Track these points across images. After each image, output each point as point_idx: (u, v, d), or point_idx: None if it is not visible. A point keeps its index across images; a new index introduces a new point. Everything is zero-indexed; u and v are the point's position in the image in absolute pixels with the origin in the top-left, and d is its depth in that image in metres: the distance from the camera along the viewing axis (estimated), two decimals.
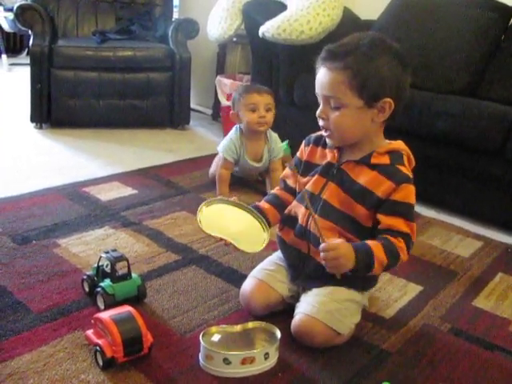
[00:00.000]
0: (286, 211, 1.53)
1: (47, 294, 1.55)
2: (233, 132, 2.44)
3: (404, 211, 1.35)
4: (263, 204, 1.55)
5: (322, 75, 1.33)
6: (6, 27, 5.44)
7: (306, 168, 1.50)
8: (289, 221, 1.51)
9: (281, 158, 2.48)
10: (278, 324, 1.40)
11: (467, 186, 2.35)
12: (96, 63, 3.25)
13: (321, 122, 1.38)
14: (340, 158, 1.43)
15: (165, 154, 2.97)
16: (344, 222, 1.39)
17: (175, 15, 4.05)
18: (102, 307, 1.47)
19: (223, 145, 2.42)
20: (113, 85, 3.29)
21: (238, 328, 1.39)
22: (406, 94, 1.36)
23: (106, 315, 1.28)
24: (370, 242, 1.33)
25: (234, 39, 3.49)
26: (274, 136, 2.46)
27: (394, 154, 1.38)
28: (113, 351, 1.25)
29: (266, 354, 1.30)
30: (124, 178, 2.54)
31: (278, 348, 1.34)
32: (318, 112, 1.37)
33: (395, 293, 1.72)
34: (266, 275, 1.52)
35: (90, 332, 1.32)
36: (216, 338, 1.35)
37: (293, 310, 1.45)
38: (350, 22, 2.90)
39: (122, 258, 1.52)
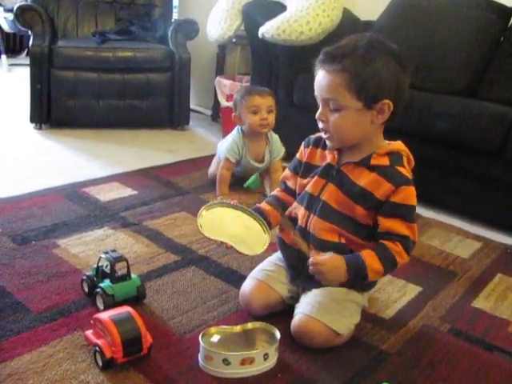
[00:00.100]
0: (287, 212, 1.53)
1: (47, 295, 1.55)
2: (235, 133, 2.44)
3: (403, 213, 1.35)
4: (264, 205, 1.55)
5: (321, 78, 1.33)
6: (6, 28, 5.44)
7: (305, 169, 1.51)
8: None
9: (281, 159, 2.49)
10: (278, 324, 1.41)
11: (467, 186, 2.35)
12: (96, 64, 3.25)
13: (320, 125, 1.38)
14: (340, 160, 1.43)
15: (164, 155, 2.97)
16: (343, 223, 1.39)
17: (175, 16, 4.05)
18: (102, 308, 1.47)
19: (226, 145, 2.42)
20: (112, 85, 3.29)
21: (237, 329, 1.39)
22: (405, 94, 1.36)
23: (105, 316, 1.28)
24: (363, 253, 1.35)
25: (234, 40, 3.49)
26: (275, 137, 2.47)
27: (394, 155, 1.38)
28: (112, 352, 1.25)
29: (266, 354, 1.30)
30: (124, 178, 2.54)
31: (277, 348, 1.34)
32: (317, 114, 1.37)
33: (395, 293, 1.72)
34: (266, 276, 1.52)
35: (89, 332, 1.32)
36: (215, 338, 1.35)
37: (292, 311, 1.45)
38: (349, 22, 2.91)
39: (121, 259, 1.52)
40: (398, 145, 1.41)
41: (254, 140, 2.43)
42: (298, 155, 1.56)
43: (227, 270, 1.78)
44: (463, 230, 2.27)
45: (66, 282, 1.62)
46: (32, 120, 3.28)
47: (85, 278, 1.56)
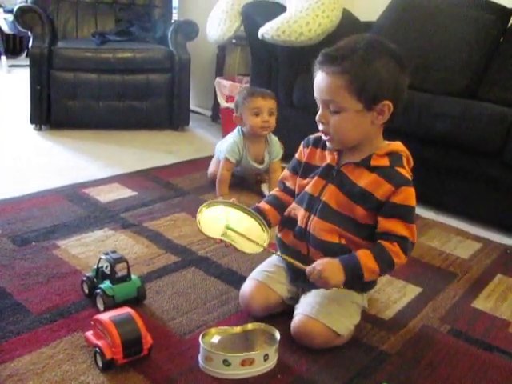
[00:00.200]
0: (286, 213, 1.53)
1: (47, 296, 1.55)
2: (235, 134, 2.45)
3: (403, 214, 1.35)
4: (263, 205, 1.55)
5: (320, 79, 1.33)
6: (6, 29, 5.45)
7: (305, 169, 1.51)
8: (288, 222, 1.51)
9: (279, 160, 2.50)
10: (278, 325, 1.41)
11: (466, 187, 2.35)
12: (95, 65, 3.25)
13: (320, 126, 1.38)
14: (340, 160, 1.43)
15: (164, 156, 2.97)
16: (344, 223, 1.40)
17: (174, 17, 4.05)
18: (102, 309, 1.47)
19: (226, 146, 2.43)
20: (112, 86, 3.29)
21: (237, 329, 1.39)
22: (405, 95, 1.36)
23: (105, 317, 1.28)
24: (359, 253, 1.35)
25: (234, 41, 3.49)
26: (274, 139, 2.49)
27: (394, 156, 1.38)
28: (112, 352, 1.25)
29: (266, 355, 1.30)
30: (123, 179, 2.54)
31: (277, 349, 1.34)
32: (317, 116, 1.36)
33: (394, 294, 1.72)
34: (266, 277, 1.52)
35: (89, 333, 1.32)
36: (215, 339, 1.35)
37: (292, 312, 1.45)
38: (349, 23, 2.90)
39: (121, 260, 1.52)
40: (398, 145, 1.41)
41: (253, 141, 2.44)
42: (297, 155, 1.55)
43: (227, 270, 1.78)
44: (463, 231, 2.27)
45: (66, 283, 1.62)
46: (32, 121, 3.28)
47: (85, 279, 1.56)
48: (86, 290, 1.56)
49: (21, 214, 2.06)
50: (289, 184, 1.56)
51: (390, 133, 1.43)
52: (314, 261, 1.42)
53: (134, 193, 2.38)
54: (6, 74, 5.27)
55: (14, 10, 3.32)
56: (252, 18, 2.95)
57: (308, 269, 1.35)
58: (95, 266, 1.55)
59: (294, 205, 1.52)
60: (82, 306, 1.52)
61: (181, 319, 1.49)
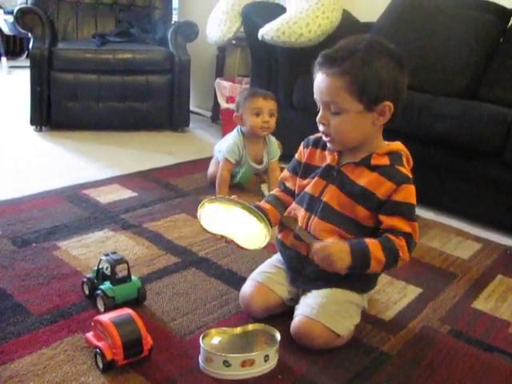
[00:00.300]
0: (286, 213, 1.53)
1: (47, 297, 1.55)
2: (235, 134, 2.45)
3: (405, 211, 1.35)
4: (264, 204, 1.55)
5: (321, 81, 1.33)
6: (6, 30, 5.45)
7: (305, 170, 1.51)
8: None
9: (278, 159, 2.52)
10: (278, 326, 1.41)
11: (466, 187, 2.35)
12: (96, 66, 3.25)
13: (321, 128, 1.38)
14: (340, 160, 1.43)
15: (164, 157, 2.97)
16: (344, 224, 1.40)
17: (174, 18, 4.06)
18: (102, 310, 1.47)
19: (226, 146, 2.43)
20: (112, 87, 3.30)
21: (237, 330, 1.39)
22: (404, 95, 1.36)
23: (105, 318, 1.28)
24: (367, 240, 1.34)
25: (234, 42, 3.50)
26: (272, 139, 2.50)
27: (394, 155, 1.38)
28: (113, 354, 1.25)
29: (266, 356, 1.30)
30: (124, 180, 2.54)
31: (277, 350, 1.34)
32: (318, 118, 1.37)
33: (395, 295, 1.72)
34: (266, 278, 1.52)
35: (89, 334, 1.32)
36: (216, 340, 1.35)
37: (292, 312, 1.45)
38: (349, 24, 2.91)
39: (121, 261, 1.52)
40: (398, 145, 1.42)
41: (252, 141, 2.45)
42: (296, 156, 1.56)
43: (227, 271, 1.78)
44: (463, 231, 2.27)
45: (67, 284, 1.62)
46: (32, 122, 3.29)
47: (85, 280, 1.56)
48: (87, 291, 1.56)
49: (21, 215, 2.06)
50: (289, 185, 1.56)
51: (390, 133, 1.43)
52: (313, 261, 1.43)
53: (134, 194, 2.38)
54: (6, 75, 5.27)
55: (15, 11, 3.32)
56: (252, 19, 2.95)
57: (315, 246, 1.33)
58: (95, 267, 1.55)
59: (294, 205, 1.52)
60: (83, 307, 1.52)
61: (181, 320, 1.49)
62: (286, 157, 2.28)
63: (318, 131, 1.42)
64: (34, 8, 3.34)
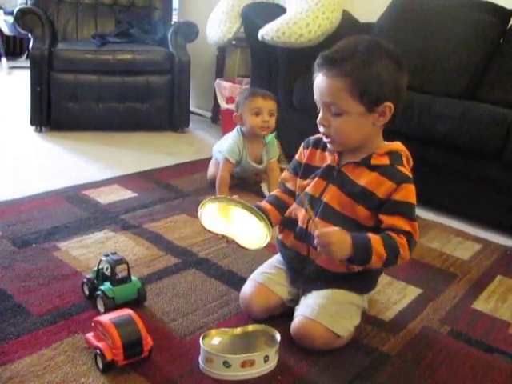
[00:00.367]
0: (286, 214, 1.53)
1: (47, 297, 1.55)
2: (235, 134, 2.46)
3: (405, 210, 1.35)
4: (265, 205, 1.55)
5: (321, 82, 1.33)
6: (6, 30, 5.45)
7: (305, 171, 1.51)
8: (289, 223, 1.52)
9: (277, 159, 2.53)
10: (278, 327, 1.41)
11: (466, 188, 2.36)
12: (95, 66, 3.26)
13: (322, 129, 1.38)
14: (340, 161, 1.43)
15: (164, 157, 2.97)
16: (345, 224, 1.39)
17: (174, 18, 4.06)
18: (102, 310, 1.47)
19: (226, 146, 2.43)
20: (112, 88, 3.30)
21: (237, 331, 1.39)
22: (404, 95, 1.36)
23: (106, 318, 1.29)
24: (370, 234, 1.33)
25: (234, 42, 3.50)
26: (271, 138, 2.50)
27: (394, 155, 1.38)
28: (113, 354, 1.25)
29: (266, 356, 1.30)
30: (124, 181, 2.54)
31: (277, 351, 1.34)
32: (318, 119, 1.36)
33: (395, 295, 1.72)
34: (266, 278, 1.52)
35: (90, 335, 1.32)
36: (216, 341, 1.35)
37: (292, 313, 1.45)
38: (349, 25, 2.91)
39: (121, 261, 1.52)
40: (397, 145, 1.42)
41: (252, 141, 2.45)
42: (297, 156, 1.56)
43: (227, 272, 1.78)
44: (463, 232, 2.27)
45: (67, 284, 1.62)
46: (32, 123, 3.29)
47: (85, 280, 1.56)
48: (87, 292, 1.56)
49: (21, 216, 2.06)
50: (289, 185, 1.57)
51: (390, 134, 1.43)
52: (314, 262, 1.43)
53: (134, 194, 2.38)
54: (6, 75, 5.27)
55: (15, 11, 3.32)
56: (252, 20, 2.96)
57: (319, 230, 1.31)
58: (95, 268, 1.55)
59: (294, 205, 1.52)
60: (83, 307, 1.52)
61: (181, 321, 1.49)
62: (290, 158, 2.28)
63: (318, 132, 1.42)
64: (34, 8, 3.34)
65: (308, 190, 1.46)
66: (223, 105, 3.36)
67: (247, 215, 1.46)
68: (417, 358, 1.43)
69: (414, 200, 1.37)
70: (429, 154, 2.38)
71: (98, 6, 3.74)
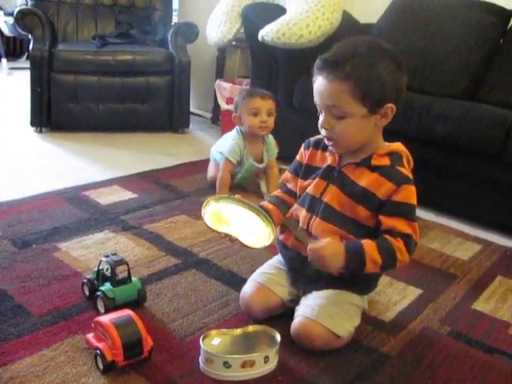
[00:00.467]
0: (288, 215, 1.53)
1: (47, 298, 1.55)
2: (235, 135, 2.46)
3: (405, 212, 1.35)
4: (267, 204, 1.54)
5: (322, 85, 1.32)
6: (6, 31, 5.46)
7: (306, 171, 1.51)
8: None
9: (275, 157, 2.54)
10: (278, 327, 1.41)
11: (466, 188, 2.36)
12: (96, 67, 3.26)
13: (324, 132, 1.37)
14: (340, 161, 1.43)
15: (164, 158, 2.97)
16: (345, 224, 1.40)
17: (174, 19, 4.06)
18: (102, 311, 1.47)
19: (227, 147, 2.43)
20: (112, 89, 3.30)
21: (238, 331, 1.39)
22: (404, 95, 1.36)
23: (106, 319, 1.29)
24: (364, 241, 1.34)
25: (234, 43, 3.50)
26: (270, 137, 2.51)
27: (394, 156, 1.39)
28: (113, 355, 1.25)
29: (266, 357, 1.30)
30: (124, 181, 2.54)
31: (277, 351, 1.34)
32: (320, 122, 1.36)
33: (395, 296, 1.72)
34: (266, 279, 1.52)
35: (90, 336, 1.32)
36: (216, 341, 1.35)
37: (293, 314, 1.45)
38: (349, 25, 2.91)
39: (122, 262, 1.52)
40: (398, 146, 1.42)
41: (252, 141, 2.46)
42: (297, 157, 1.56)
43: (228, 272, 1.78)
44: (463, 233, 2.27)
45: (67, 285, 1.62)
46: (32, 123, 3.29)
47: (85, 281, 1.56)
48: (87, 293, 1.56)
49: (21, 217, 2.06)
50: (290, 186, 1.57)
51: (390, 135, 1.43)
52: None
53: (135, 195, 2.38)
54: (6, 76, 5.28)
55: (15, 12, 3.33)
56: (252, 20, 2.96)
57: (310, 247, 1.34)
58: (96, 269, 1.55)
59: (295, 206, 1.52)
60: (83, 308, 1.52)
61: (181, 321, 1.49)
62: (285, 158, 2.28)
63: (318, 132, 1.42)
64: (34, 9, 3.34)
65: (308, 190, 1.47)
66: (223, 105, 3.36)
67: (251, 214, 1.46)
68: (417, 358, 1.43)
69: (414, 201, 1.36)
70: (429, 155, 2.38)
71: (98, 7, 3.74)
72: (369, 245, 1.33)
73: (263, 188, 2.52)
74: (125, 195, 2.37)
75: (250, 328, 1.40)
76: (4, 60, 5.44)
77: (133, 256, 1.83)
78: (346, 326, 1.41)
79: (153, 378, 1.26)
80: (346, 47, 1.33)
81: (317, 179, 1.45)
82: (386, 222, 1.35)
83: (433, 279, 1.85)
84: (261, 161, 2.50)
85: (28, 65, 3.29)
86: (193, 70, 3.50)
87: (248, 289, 1.52)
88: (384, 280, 1.75)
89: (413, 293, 1.75)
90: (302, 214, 1.47)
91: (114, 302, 1.47)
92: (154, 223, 2.10)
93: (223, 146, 2.47)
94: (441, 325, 1.59)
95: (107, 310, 1.44)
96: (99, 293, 1.49)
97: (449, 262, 1.99)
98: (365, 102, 1.29)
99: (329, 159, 1.45)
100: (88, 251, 1.84)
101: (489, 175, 2.27)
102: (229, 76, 3.75)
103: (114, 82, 3.29)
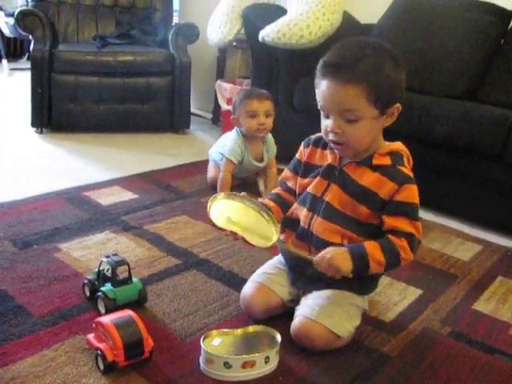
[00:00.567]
0: (288, 214, 1.53)
1: (48, 299, 1.55)
2: (235, 135, 2.46)
3: (407, 211, 1.35)
4: (268, 202, 1.54)
5: (334, 89, 1.30)
6: (7, 32, 5.46)
7: (305, 169, 1.51)
8: (290, 223, 1.52)
9: (274, 156, 2.55)
10: (279, 328, 1.41)
11: (467, 189, 2.35)
12: (96, 68, 3.26)
13: (333, 137, 1.35)
14: (341, 160, 1.43)
15: (165, 159, 2.97)
16: (347, 224, 1.40)
17: (175, 20, 4.06)
18: (103, 311, 1.47)
19: (228, 147, 2.43)
20: (113, 89, 3.30)
21: (238, 332, 1.39)
22: (404, 94, 1.37)
23: (106, 319, 1.29)
24: (366, 243, 1.34)
25: (234, 43, 3.50)
26: (269, 136, 2.52)
27: (395, 155, 1.39)
28: (114, 355, 1.25)
29: (267, 357, 1.30)
30: (124, 182, 2.54)
31: (278, 352, 1.34)
32: (331, 127, 1.33)
33: (395, 296, 1.72)
34: (267, 279, 1.52)
35: (90, 336, 1.33)
36: (217, 341, 1.35)
37: (293, 314, 1.45)
38: (349, 26, 2.91)
39: (122, 263, 1.52)
40: (398, 145, 1.42)
41: (252, 141, 2.46)
42: (297, 155, 1.56)
43: (228, 273, 1.78)
44: (463, 233, 2.27)
45: (68, 285, 1.63)
46: (33, 124, 3.29)
47: (86, 281, 1.57)
48: (88, 293, 1.56)
49: (22, 217, 2.07)
50: (290, 184, 1.56)
51: (391, 135, 1.43)
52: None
53: (135, 196, 2.39)
54: (7, 77, 5.28)
55: (15, 13, 3.33)
56: (252, 21, 2.96)
57: (316, 258, 1.34)
58: (96, 269, 1.55)
59: (296, 205, 1.52)
60: (84, 308, 1.52)
61: (182, 322, 1.50)
62: (285, 158, 2.27)
63: (318, 132, 1.42)
64: (35, 10, 3.35)
65: (309, 189, 1.47)
66: (224, 106, 3.36)
67: (255, 213, 1.46)
68: (417, 358, 1.43)
69: (416, 200, 1.37)
70: (429, 155, 2.38)
71: (99, 8, 3.74)
72: (372, 246, 1.33)
73: (261, 187, 2.53)
74: (125, 196, 2.37)
75: (251, 328, 1.41)
76: (5, 61, 5.44)
77: (133, 256, 1.83)
78: (346, 326, 1.41)
79: (153, 379, 1.27)
80: (350, 50, 1.32)
81: (318, 178, 1.45)
82: (389, 221, 1.35)
83: (433, 280, 1.85)
84: (261, 160, 2.51)
85: (29, 65, 3.29)
86: (193, 70, 3.50)
87: (248, 289, 1.52)
88: (384, 280, 1.75)
89: (413, 293, 1.75)
90: (303, 213, 1.47)
91: (114, 302, 1.47)
92: (154, 224, 2.10)
93: (223, 147, 2.47)
94: (441, 325, 1.59)
95: (108, 311, 1.44)
96: (100, 293, 1.49)
97: (449, 263, 1.99)
98: (377, 104, 1.29)
99: (329, 158, 1.45)
100: (89, 252, 1.84)
101: (489, 175, 2.27)
102: (229, 76, 3.75)
103: (114, 83, 3.30)
